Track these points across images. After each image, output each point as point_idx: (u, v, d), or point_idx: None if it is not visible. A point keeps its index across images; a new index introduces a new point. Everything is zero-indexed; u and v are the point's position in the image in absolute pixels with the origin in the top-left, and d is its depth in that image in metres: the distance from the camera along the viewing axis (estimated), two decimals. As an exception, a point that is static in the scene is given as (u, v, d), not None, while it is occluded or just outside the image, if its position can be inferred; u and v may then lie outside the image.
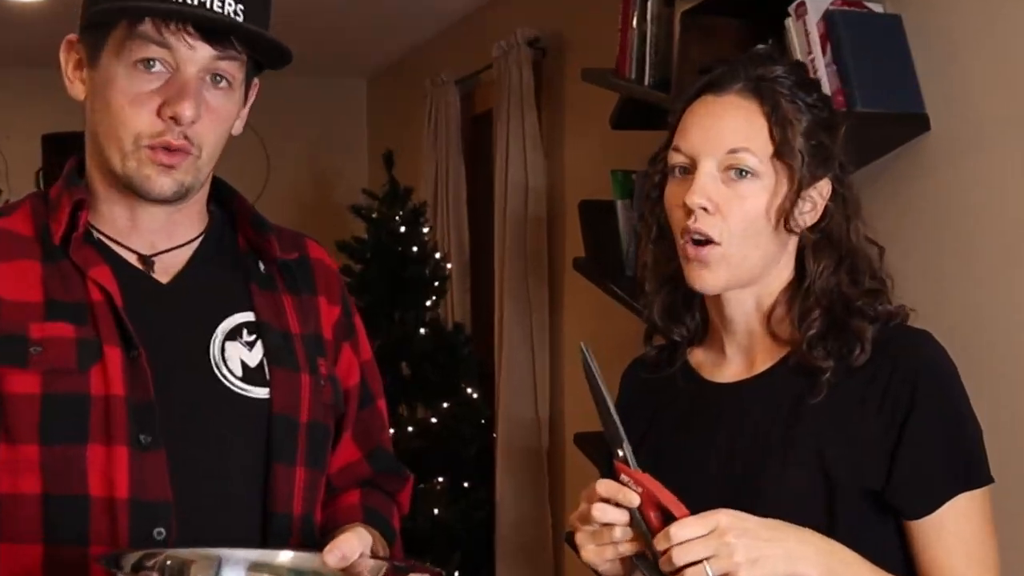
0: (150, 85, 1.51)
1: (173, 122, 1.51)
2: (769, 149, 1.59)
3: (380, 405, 1.80)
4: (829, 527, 1.53)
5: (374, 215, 5.39)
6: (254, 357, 1.59)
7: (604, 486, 1.46)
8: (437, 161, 5.80)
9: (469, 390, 5.25)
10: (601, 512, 1.45)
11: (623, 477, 1.45)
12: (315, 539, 1.60)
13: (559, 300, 4.88)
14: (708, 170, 1.59)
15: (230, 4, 1.51)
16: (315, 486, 1.63)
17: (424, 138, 5.93)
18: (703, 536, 1.41)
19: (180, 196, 1.56)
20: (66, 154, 1.66)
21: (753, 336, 1.67)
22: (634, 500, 1.45)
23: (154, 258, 1.60)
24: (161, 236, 1.62)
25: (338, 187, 6.99)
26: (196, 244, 1.65)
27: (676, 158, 1.63)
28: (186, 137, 1.52)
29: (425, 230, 5.41)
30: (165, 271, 1.61)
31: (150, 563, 1.40)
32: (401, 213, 5.36)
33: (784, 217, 1.60)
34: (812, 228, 1.63)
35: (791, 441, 1.58)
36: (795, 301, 1.63)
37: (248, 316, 1.62)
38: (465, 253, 5.65)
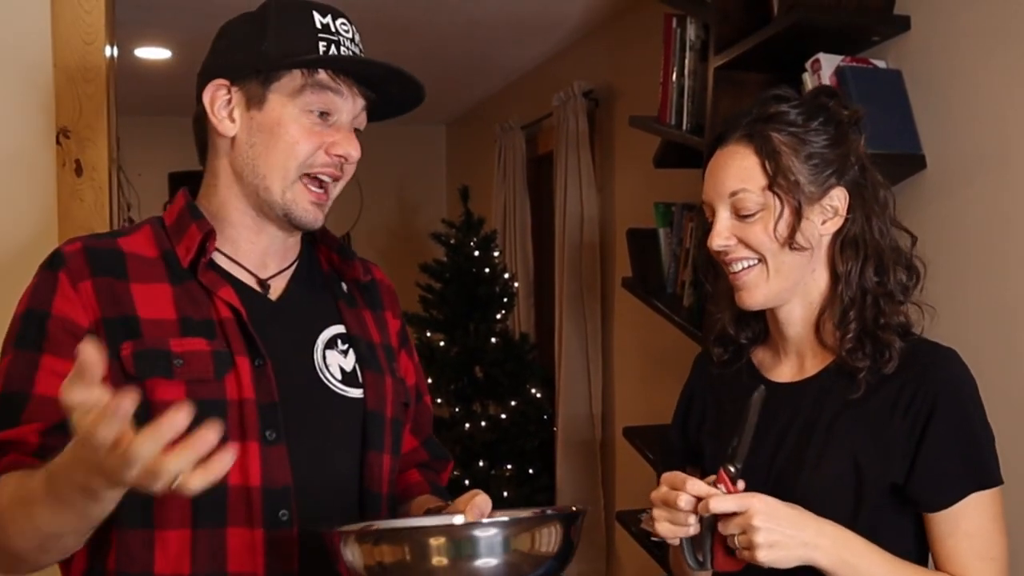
0: (321, 127, 1.52)
1: (341, 159, 1.54)
2: (764, 182, 1.58)
3: (427, 400, 1.82)
4: (855, 512, 1.52)
5: (452, 241, 5.40)
6: (348, 363, 1.60)
7: (694, 485, 1.48)
8: (505, 195, 5.82)
9: (533, 390, 5.25)
10: (685, 503, 1.47)
11: (720, 486, 1.48)
12: (396, 512, 1.63)
13: (610, 314, 4.87)
14: (723, 215, 1.61)
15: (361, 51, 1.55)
16: (395, 469, 1.66)
17: (494, 175, 5.95)
18: (737, 514, 1.44)
19: (317, 225, 1.58)
20: (189, 188, 1.63)
21: (803, 342, 1.66)
22: None
23: (269, 281, 1.61)
24: (276, 259, 1.62)
25: (421, 217, 7.02)
26: (295, 267, 1.64)
27: (705, 208, 1.65)
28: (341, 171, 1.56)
29: (495, 254, 5.42)
30: (274, 290, 1.61)
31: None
32: (475, 239, 5.38)
33: (789, 237, 1.58)
34: (837, 233, 1.61)
35: (830, 437, 1.57)
36: (834, 306, 1.61)
37: (340, 328, 1.62)
38: (530, 273, 5.66)
